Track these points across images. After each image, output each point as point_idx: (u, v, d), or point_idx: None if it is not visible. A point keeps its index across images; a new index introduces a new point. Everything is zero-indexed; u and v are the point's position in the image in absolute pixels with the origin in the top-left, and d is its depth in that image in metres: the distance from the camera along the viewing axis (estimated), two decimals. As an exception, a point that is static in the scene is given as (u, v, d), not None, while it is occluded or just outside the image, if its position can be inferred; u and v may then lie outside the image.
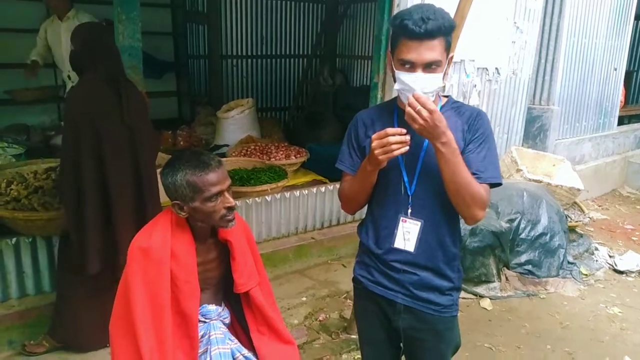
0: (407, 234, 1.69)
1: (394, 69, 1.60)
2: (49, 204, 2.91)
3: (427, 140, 1.63)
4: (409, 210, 1.68)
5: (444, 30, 1.52)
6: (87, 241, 2.55)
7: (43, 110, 5.68)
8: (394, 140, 1.49)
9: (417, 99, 1.48)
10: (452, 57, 1.64)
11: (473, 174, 1.60)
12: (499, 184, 1.67)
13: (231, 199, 1.72)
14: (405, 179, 1.67)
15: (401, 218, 1.69)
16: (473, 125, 1.66)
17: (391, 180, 1.69)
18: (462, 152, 1.62)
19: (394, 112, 1.71)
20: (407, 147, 1.52)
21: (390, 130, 1.51)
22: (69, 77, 4.59)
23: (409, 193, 1.67)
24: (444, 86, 1.71)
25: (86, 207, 2.52)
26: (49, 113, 5.76)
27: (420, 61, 1.52)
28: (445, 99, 1.74)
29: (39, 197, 2.95)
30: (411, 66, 1.53)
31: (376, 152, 1.52)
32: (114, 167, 2.54)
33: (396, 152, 1.51)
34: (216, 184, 1.68)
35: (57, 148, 4.59)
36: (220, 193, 1.69)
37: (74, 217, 2.55)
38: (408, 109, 1.50)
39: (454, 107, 1.72)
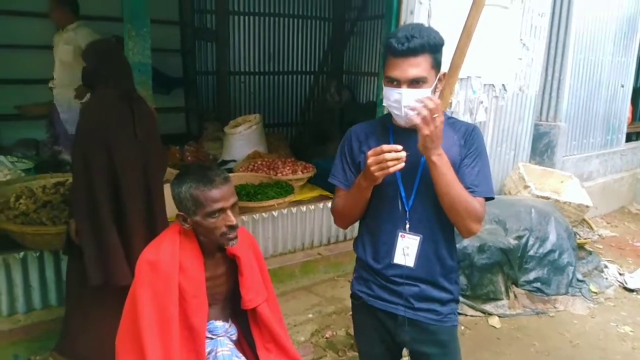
0: (407, 249, 1.69)
1: (383, 85, 1.63)
2: (57, 219, 2.92)
3: (424, 156, 1.64)
4: (407, 226, 1.68)
5: (429, 47, 1.55)
6: (111, 254, 2.54)
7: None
8: (390, 157, 1.50)
9: (435, 104, 1.48)
10: (444, 75, 1.66)
11: (467, 187, 1.63)
12: (492, 198, 1.71)
13: (232, 218, 1.70)
14: (403, 194, 1.68)
15: (400, 233, 1.69)
16: (468, 141, 1.69)
17: (388, 195, 1.69)
18: (458, 167, 1.65)
19: (390, 129, 1.72)
20: (403, 164, 1.52)
21: (385, 146, 1.51)
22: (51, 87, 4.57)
23: (406, 208, 1.68)
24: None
25: (102, 221, 2.53)
26: (58, 128, 5.80)
27: (404, 78, 1.55)
28: None
29: (47, 212, 2.97)
30: (397, 83, 1.57)
31: (372, 168, 1.53)
32: (126, 182, 2.55)
33: (392, 169, 1.51)
34: (218, 200, 1.68)
35: (66, 163, 4.63)
36: (222, 210, 1.69)
37: (90, 232, 2.55)
38: (424, 111, 1.48)
39: (449, 122, 1.73)
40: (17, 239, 2.91)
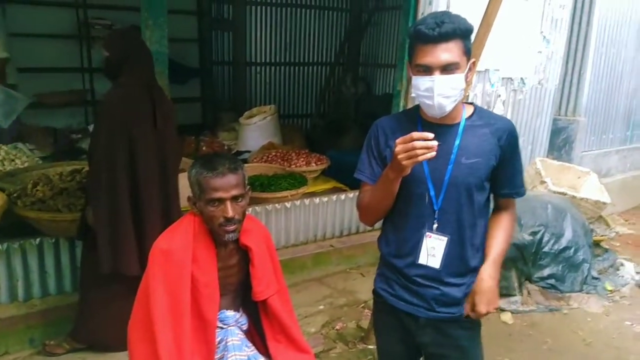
0: (432, 250, 1.64)
1: (412, 75, 1.58)
2: (73, 206, 2.96)
3: (454, 152, 1.60)
4: (435, 225, 1.63)
5: (460, 32, 1.50)
6: (124, 243, 2.57)
7: (70, 114, 5.80)
8: (419, 145, 1.41)
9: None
10: (474, 63, 1.60)
11: (513, 189, 1.71)
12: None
13: (229, 210, 1.68)
14: (432, 192, 1.62)
15: (426, 233, 1.64)
16: (507, 139, 1.64)
17: (415, 192, 1.64)
18: (495, 167, 1.63)
19: (418, 122, 1.66)
20: (434, 153, 1.43)
21: (415, 134, 1.43)
22: None
23: (435, 207, 1.62)
24: (467, 95, 1.70)
25: (120, 210, 2.55)
26: (76, 116, 5.88)
27: (436, 64, 1.49)
28: (470, 108, 1.69)
29: (63, 199, 3.01)
30: (428, 70, 1.51)
31: (399, 156, 1.44)
32: (145, 171, 2.57)
33: (421, 158, 1.42)
34: (218, 189, 1.68)
35: (83, 151, 4.68)
36: (220, 200, 1.68)
37: (106, 219, 2.57)
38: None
39: (482, 116, 1.68)
40: (33, 225, 2.96)
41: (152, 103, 2.57)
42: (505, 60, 4.63)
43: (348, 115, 6.84)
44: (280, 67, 7.24)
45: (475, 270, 1.71)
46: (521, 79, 4.88)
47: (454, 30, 1.48)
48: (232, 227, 1.71)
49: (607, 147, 6.25)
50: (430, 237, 1.64)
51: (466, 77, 1.55)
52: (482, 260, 1.72)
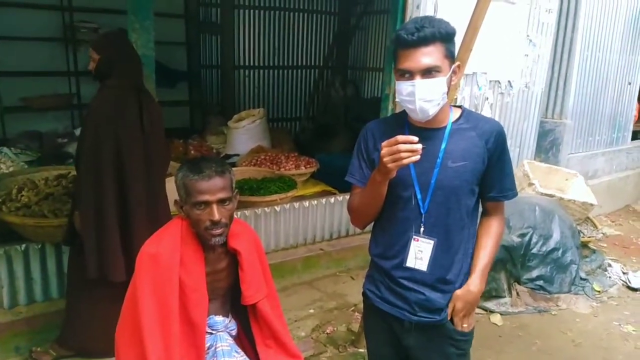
0: (420, 253, 1.65)
1: (396, 81, 1.59)
2: (59, 211, 2.92)
3: (440, 156, 1.60)
4: (422, 229, 1.64)
5: (440, 36, 1.50)
6: (110, 249, 2.54)
7: (56, 118, 5.74)
8: (404, 148, 1.43)
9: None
10: (458, 66, 1.60)
11: (503, 192, 1.69)
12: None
13: (216, 213, 1.67)
14: (419, 196, 1.62)
15: (413, 236, 1.65)
16: (495, 141, 1.64)
17: (402, 196, 1.64)
18: (484, 170, 1.64)
19: (405, 127, 1.66)
20: (418, 157, 1.44)
21: (400, 137, 1.44)
22: None
23: (422, 211, 1.63)
24: (456, 98, 1.71)
25: (106, 213, 2.52)
26: (62, 120, 5.82)
27: (416, 68, 1.50)
28: (458, 111, 1.69)
29: (49, 204, 2.97)
30: (410, 75, 1.51)
31: (385, 159, 1.46)
32: (132, 174, 2.55)
33: (406, 161, 1.44)
34: (204, 192, 1.67)
35: (69, 155, 4.63)
36: (207, 203, 1.67)
37: (92, 224, 2.54)
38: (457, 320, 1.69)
39: (469, 118, 1.67)
40: (18, 231, 2.91)
41: (140, 105, 2.56)
42: (492, 63, 4.67)
43: (337, 118, 6.84)
44: (269, 70, 7.22)
45: (461, 276, 1.71)
46: (508, 81, 4.92)
47: (433, 34, 1.49)
48: (218, 231, 1.70)
49: (593, 149, 6.32)
50: (417, 240, 1.65)
51: (450, 80, 1.56)
52: (469, 266, 1.72)
